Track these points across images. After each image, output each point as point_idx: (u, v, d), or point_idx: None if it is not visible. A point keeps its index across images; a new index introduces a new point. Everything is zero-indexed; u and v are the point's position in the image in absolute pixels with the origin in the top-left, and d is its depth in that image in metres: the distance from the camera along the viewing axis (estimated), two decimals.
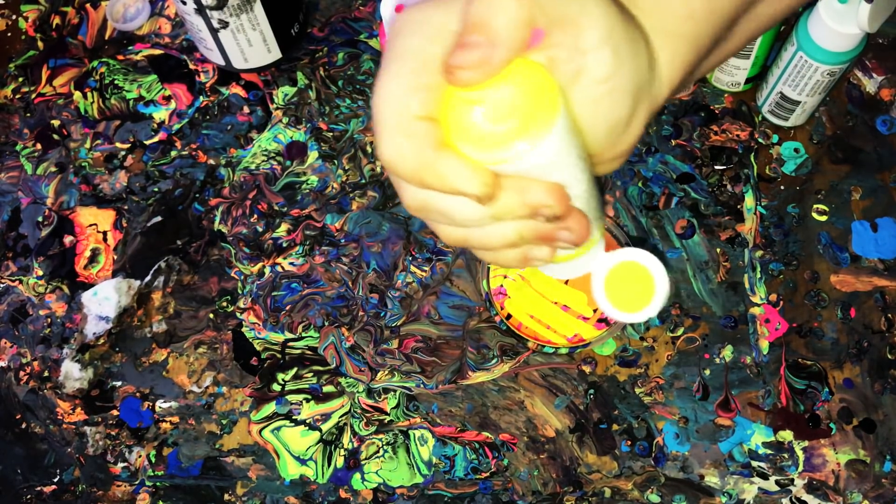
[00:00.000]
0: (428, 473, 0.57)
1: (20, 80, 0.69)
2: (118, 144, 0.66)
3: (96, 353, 0.60)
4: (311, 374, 0.59)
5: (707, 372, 0.57)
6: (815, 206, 0.61)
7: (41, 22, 0.70)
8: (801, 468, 0.55)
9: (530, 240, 0.31)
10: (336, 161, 0.64)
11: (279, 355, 0.59)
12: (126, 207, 0.64)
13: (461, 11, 0.27)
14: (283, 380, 0.59)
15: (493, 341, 0.59)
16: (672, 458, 0.56)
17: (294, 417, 0.58)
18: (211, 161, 0.65)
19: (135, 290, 0.62)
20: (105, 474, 0.58)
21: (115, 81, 0.68)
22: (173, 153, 0.65)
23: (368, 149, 0.64)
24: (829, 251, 0.60)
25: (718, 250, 0.60)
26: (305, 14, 0.67)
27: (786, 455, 0.56)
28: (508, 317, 0.58)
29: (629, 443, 0.56)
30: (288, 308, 0.60)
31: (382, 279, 0.61)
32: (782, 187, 0.62)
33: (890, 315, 0.58)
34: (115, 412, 0.59)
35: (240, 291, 0.61)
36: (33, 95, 0.68)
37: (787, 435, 0.56)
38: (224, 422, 0.58)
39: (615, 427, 0.57)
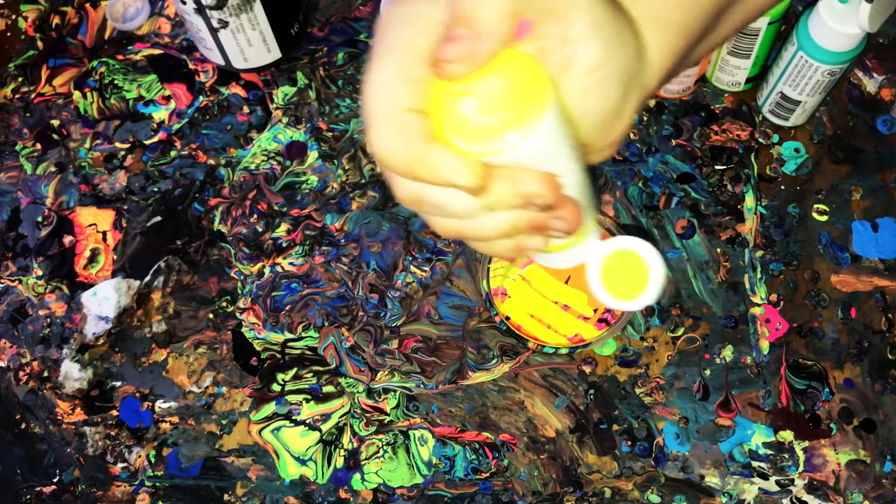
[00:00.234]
0: (428, 474, 0.57)
1: (20, 79, 0.69)
2: (118, 144, 0.66)
3: (96, 353, 0.60)
4: (310, 375, 0.59)
5: (707, 372, 0.57)
6: (815, 206, 0.61)
7: (41, 22, 0.70)
8: (801, 468, 0.55)
9: (524, 229, 0.31)
10: (336, 161, 0.64)
11: (279, 355, 0.59)
12: (126, 207, 0.64)
13: (448, 4, 0.27)
14: (282, 380, 0.59)
15: (493, 341, 0.59)
16: (672, 459, 0.56)
17: (294, 418, 0.58)
18: (211, 161, 0.65)
19: (134, 290, 0.62)
20: (105, 474, 0.58)
21: (115, 81, 0.68)
22: (173, 153, 0.65)
23: (368, 149, 0.64)
24: (829, 251, 0.60)
25: (719, 250, 0.60)
26: (305, 14, 0.67)
27: (786, 455, 0.56)
28: (508, 318, 0.58)
29: (629, 443, 0.56)
30: (288, 308, 0.60)
31: (382, 279, 0.61)
32: (783, 187, 0.62)
33: (890, 315, 0.58)
34: (114, 412, 0.59)
35: (239, 291, 0.61)
36: (33, 95, 0.68)
37: (787, 435, 0.56)
38: (224, 422, 0.58)
39: (615, 427, 0.57)
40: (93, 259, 0.63)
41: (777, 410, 0.56)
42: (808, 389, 0.57)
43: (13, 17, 0.71)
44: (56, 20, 0.70)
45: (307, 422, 0.58)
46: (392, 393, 0.58)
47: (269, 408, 0.58)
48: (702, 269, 0.60)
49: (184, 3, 0.58)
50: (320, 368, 0.59)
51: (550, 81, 0.28)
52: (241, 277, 0.61)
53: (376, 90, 0.28)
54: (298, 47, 0.67)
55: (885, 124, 0.63)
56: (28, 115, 0.67)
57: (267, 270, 0.61)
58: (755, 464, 0.55)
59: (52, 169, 0.66)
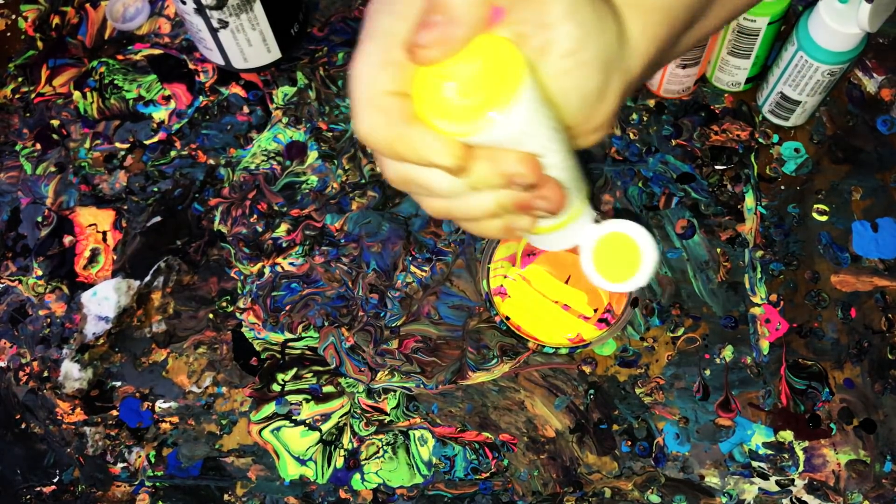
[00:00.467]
0: (428, 474, 0.57)
1: (20, 79, 0.69)
2: (118, 144, 0.66)
3: (96, 353, 0.60)
4: (310, 375, 0.59)
5: (707, 372, 0.57)
6: (815, 206, 0.61)
7: (41, 22, 0.70)
8: (801, 468, 0.55)
9: (510, 209, 0.32)
10: (336, 161, 0.64)
11: (279, 355, 0.59)
12: (125, 207, 0.64)
13: None
14: (282, 380, 0.59)
15: (493, 341, 0.59)
16: (672, 459, 0.56)
17: (294, 418, 0.58)
18: (210, 161, 0.65)
19: (134, 290, 0.62)
20: (105, 474, 0.58)
21: (115, 81, 0.68)
22: (173, 153, 0.65)
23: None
24: (829, 251, 0.60)
25: (719, 250, 0.60)
26: (305, 14, 0.67)
27: (786, 455, 0.56)
28: (508, 318, 0.58)
29: (629, 443, 0.56)
30: (288, 308, 0.60)
31: (382, 279, 0.61)
32: (783, 187, 0.62)
33: (890, 315, 0.58)
34: (114, 412, 0.59)
35: (239, 291, 0.61)
36: (33, 95, 0.68)
37: (787, 435, 0.56)
38: (224, 422, 0.58)
39: (615, 427, 0.57)
40: (93, 259, 0.63)
41: (777, 410, 0.56)
42: (808, 389, 0.57)
43: (13, 17, 0.71)
44: (56, 20, 0.70)
45: (307, 422, 0.58)
46: (392, 393, 0.58)
47: (269, 408, 0.58)
48: (702, 269, 0.60)
49: (184, 3, 0.58)
50: (320, 368, 0.59)
51: (526, 63, 0.28)
52: (241, 277, 0.61)
53: (359, 74, 0.29)
54: (298, 47, 0.67)
55: (885, 124, 0.63)
56: (28, 115, 0.67)
57: (267, 270, 0.61)
58: (755, 464, 0.55)
59: (52, 169, 0.66)
